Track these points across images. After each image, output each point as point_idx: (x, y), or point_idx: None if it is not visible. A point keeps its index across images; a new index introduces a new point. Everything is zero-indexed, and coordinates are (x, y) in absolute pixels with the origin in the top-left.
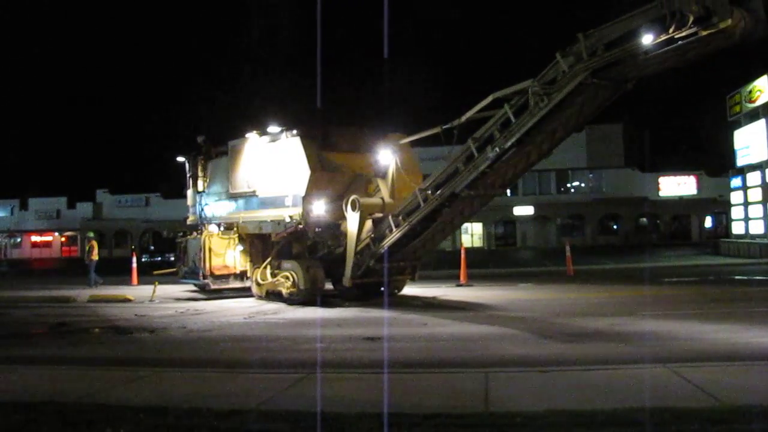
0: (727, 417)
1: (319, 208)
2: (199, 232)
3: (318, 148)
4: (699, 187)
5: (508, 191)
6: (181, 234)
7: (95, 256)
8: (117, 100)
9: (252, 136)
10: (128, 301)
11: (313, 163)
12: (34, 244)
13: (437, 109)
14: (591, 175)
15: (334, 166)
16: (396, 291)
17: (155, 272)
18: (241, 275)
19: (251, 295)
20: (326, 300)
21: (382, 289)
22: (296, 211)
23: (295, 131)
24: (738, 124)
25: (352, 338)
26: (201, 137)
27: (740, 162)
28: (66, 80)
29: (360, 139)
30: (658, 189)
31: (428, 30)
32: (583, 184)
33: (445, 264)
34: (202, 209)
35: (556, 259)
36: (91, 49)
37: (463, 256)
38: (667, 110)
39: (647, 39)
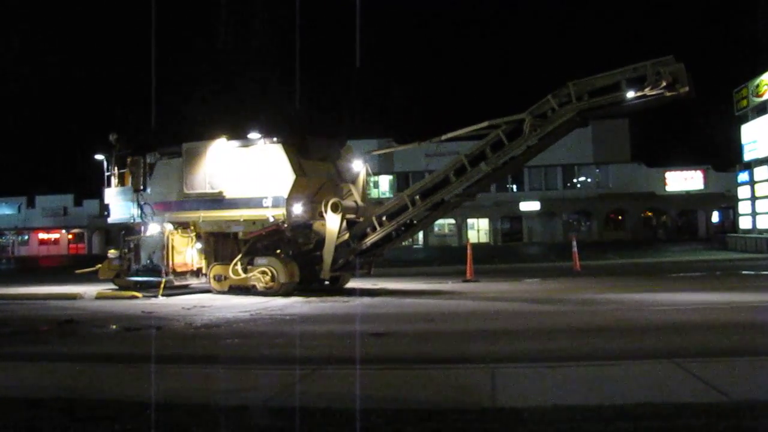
0: (735, 412)
1: (299, 209)
2: (159, 231)
3: (297, 155)
4: (706, 182)
5: (514, 187)
6: (124, 232)
7: None
8: (120, 99)
9: (219, 140)
10: (135, 297)
11: (296, 168)
12: (42, 242)
13: (399, 117)
14: (597, 171)
15: (308, 172)
16: (342, 284)
17: (77, 271)
18: (197, 272)
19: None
20: (316, 293)
21: (327, 282)
22: (279, 212)
23: (275, 138)
24: (745, 119)
25: (358, 334)
26: (113, 135)
27: (747, 156)
28: (70, 78)
29: (330, 148)
30: (664, 184)
31: (398, 42)
32: (589, 180)
33: (451, 260)
34: (142, 208)
35: (563, 254)
36: (94, 49)
37: (469, 251)
38: (673, 105)
39: (630, 93)
